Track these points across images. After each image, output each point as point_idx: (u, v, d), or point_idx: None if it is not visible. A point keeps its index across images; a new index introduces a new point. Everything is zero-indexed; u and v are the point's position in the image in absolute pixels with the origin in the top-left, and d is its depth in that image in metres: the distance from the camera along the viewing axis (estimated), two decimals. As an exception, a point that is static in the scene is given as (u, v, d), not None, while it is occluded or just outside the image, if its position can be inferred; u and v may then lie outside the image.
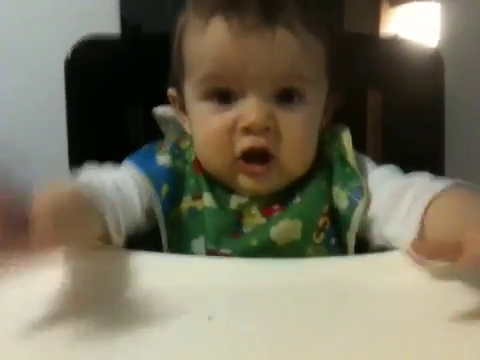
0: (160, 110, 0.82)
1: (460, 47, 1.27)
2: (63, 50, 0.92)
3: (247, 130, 0.67)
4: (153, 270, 0.59)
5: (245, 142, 0.68)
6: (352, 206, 0.71)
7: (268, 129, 0.67)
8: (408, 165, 0.76)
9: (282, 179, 0.71)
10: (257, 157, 0.69)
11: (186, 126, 0.78)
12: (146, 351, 0.48)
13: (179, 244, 0.72)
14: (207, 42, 0.68)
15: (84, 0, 1.21)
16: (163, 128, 0.83)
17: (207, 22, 0.68)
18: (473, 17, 1.42)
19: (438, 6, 1.66)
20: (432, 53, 0.91)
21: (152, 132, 0.95)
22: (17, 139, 1.25)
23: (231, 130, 0.68)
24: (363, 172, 0.74)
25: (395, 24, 1.68)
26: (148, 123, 0.96)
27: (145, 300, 0.54)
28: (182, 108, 0.77)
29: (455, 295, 0.54)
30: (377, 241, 0.71)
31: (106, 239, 0.62)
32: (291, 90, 0.69)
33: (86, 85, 0.94)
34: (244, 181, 0.70)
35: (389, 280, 0.58)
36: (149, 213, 0.72)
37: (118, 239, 0.63)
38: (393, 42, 0.96)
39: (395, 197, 0.68)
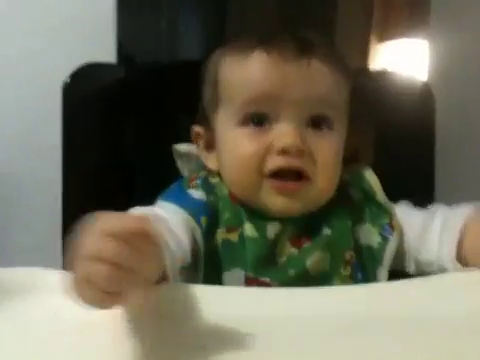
0: (184, 147, 0.85)
1: (448, 81, 1.30)
2: (60, 76, 0.94)
3: (283, 152, 0.70)
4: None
5: (279, 161, 0.71)
6: (384, 242, 0.75)
7: (303, 152, 0.71)
8: (399, 197, 0.80)
9: (313, 201, 0.74)
10: (289, 176, 0.72)
11: (210, 163, 0.80)
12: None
13: (212, 277, 0.72)
14: (249, 70, 0.73)
15: (82, 28, 1.23)
16: (180, 164, 0.85)
17: (248, 55, 0.73)
18: (460, 52, 1.45)
19: (426, 42, 1.70)
20: (422, 87, 0.94)
21: (149, 157, 0.96)
22: (11, 163, 1.26)
23: (266, 151, 0.71)
24: (389, 206, 0.78)
25: (383, 59, 1.72)
26: (144, 149, 0.97)
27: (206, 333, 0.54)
28: (208, 145, 0.80)
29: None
30: (411, 269, 0.76)
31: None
32: (321, 117, 0.73)
33: (83, 110, 0.95)
34: (274, 200, 0.72)
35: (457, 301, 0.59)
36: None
37: (171, 279, 0.61)
38: (383, 76, 0.99)
39: (425, 225, 0.74)
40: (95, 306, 0.45)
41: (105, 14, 1.21)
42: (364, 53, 1.78)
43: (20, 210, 1.32)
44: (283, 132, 0.71)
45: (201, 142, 0.81)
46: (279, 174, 0.71)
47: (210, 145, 0.80)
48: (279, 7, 1.72)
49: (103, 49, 1.18)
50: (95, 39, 1.20)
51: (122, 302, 0.47)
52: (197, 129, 0.81)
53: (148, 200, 0.74)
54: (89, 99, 0.95)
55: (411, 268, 0.76)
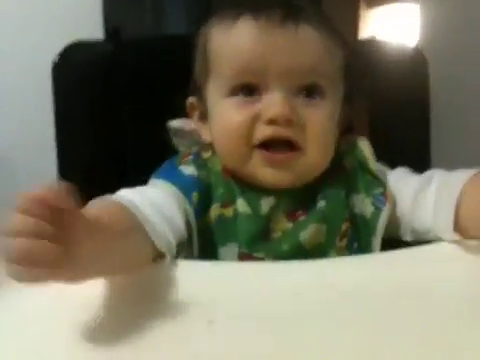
0: (177, 123, 0.84)
1: (440, 45, 1.29)
2: (49, 55, 0.93)
3: (272, 121, 0.69)
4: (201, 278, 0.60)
5: (267, 131, 0.70)
6: (377, 212, 0.74)
7: (292, 121, 0.69)
8: (396, 164, 0.79)
9: (305, 172, 0.73)
10: (280, 147, 0.70)
11: (204, 133, 0.79)
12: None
13: (207, 252, 0.72)
14: (235, 38, 0.72)
15: (68, 6, 1.22)
16: (175, 141, 0.84)
17: (235, 22, 0.72)
18: (451, 16, 1.44)
19: (417, 7, 1.68)
20: (415, 53, 0.93)
21: (139, 134, 0.96)
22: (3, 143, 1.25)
23: (255, 121, 0.70)
24: (383, 177, 0.76)
25: (374, 26, 1.71)
26: (136, 125, 0.97)
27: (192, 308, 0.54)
28: (202, 116, 0.79)
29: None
30: (406, 237, 0.75)
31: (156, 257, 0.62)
32: (312, 86, 0.72)
33: (73, 88, 0.94)
34: (265, 172, 0.71)
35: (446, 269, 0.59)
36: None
37: (168, 256, 0.62)
38: (374, 43, 0.98)
39: (420, 192, 0.72)
40: (20, 280, 0.44)
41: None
42: (354, 20, 1.76)
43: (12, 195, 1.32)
44: (271, 102, 0.70)
45: (195, 113, 0.81)
46: (269, 144, 0.70)
47: (204, 116, 0.79)
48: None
49: (89, 27, 1.17)
50: (81, 17, 1.19)
51: (48, 276, 0.45)
52: (191, 100, 0.81)
53: (142, 178, 0.75)
54: (79, 77, 0.95)
55: (407, 236, 0.75)
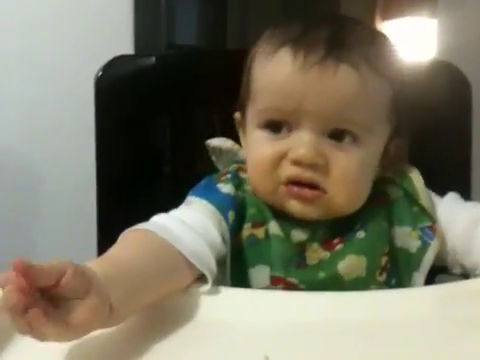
0: (215, 142, 0.83)
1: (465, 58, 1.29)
2: (91, 68, 0.94)
3: (296, 162, 0.68)
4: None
5: (292, 171, 0.69)
6: (424, 246, 0.72)
7: (317, 165, 0.68)
8: (436, 183, 0.77)
9: (333, 211, 0.71)
10: (306, 184, 0.69)
11: (245, 149, 0.79)
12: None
13: (238, 273, 0.72)
14: (271, 73, 0.70)
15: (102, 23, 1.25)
16: (214, 159, 0.84)
17: (275, 52, 0.70)
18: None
19: (434, 21, 1.70)
20: (455, 73, 0.94)
21: (179, 147, 0.97)
22: (45, 154, 1.27)
23: (282, 158, 0.69)
24: (432, 209, 0.74)
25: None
26: (174, 138, 0.98)
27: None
28: (245, 132, 0.78)
29: None
30: (455, 270, 0.74)
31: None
32: (344, 131, 0.69)
33: (115, 101, 0.96)
34: (292, 205, 0.71)
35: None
36: None
37: (210, 278, 0.64)
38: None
39: (472, 227, 0.71)
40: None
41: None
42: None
43: (55, 202, 1.34)
44: (299, 142, 0.68)
45: (240, 129, 0.80)
46: (294, 181, 0.69)
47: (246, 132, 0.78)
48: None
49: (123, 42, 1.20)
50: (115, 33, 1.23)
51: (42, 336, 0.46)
52: (237, 115, 0.80)
53: (179, 191, 0.76)
54: (121, 90, 0.96)
55: (456, 270, 0.73)
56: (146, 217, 0.68)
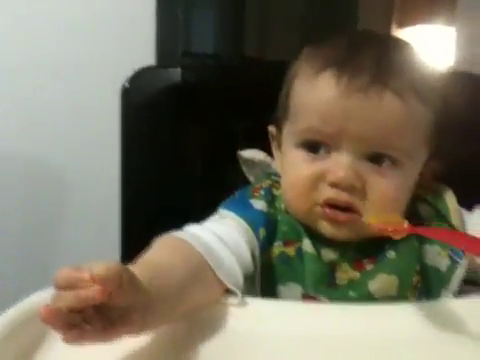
0: (247, 153, 0.83)
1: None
2: (115, 78, 0.95)
3: (334, 185, 0.68)
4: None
5: (329, 193, 0.69)
6: (453, 265, 0.72)
7: (355, 188, 0.68)
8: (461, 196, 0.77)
9: (366, 233, 0.71)
10: (341, 207, 0.69)
11: (278, 163, 0.79)
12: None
13: (267, 290, 0.72)
14: (314, 96, 0.69)
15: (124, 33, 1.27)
16: (245, 170, 0.84)
17: (318, 74, 0.69)
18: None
19: (452, 29, 1.70)
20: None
21: (206, 160, 0.97)
22: (72, 164, 1.29)
23: (319, 180, 0.69)
24: (462, 227, 0.74)
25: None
26: (202, 150, 0.98)
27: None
28: (279, 146, 0.78)
29: None
30: None
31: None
32: (384, 155, 0.69)
33: (142, 113, 0.97)
34: (324, 227, 0.71)
35: None
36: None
37: (237, 291, 0.64)
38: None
39: None
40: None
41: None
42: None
43: (79, 207, 1.37)
44: (337, 165, 0.68)
45: (274, 143, 0.80)
46: (330, 204, 0.69)
47: (281, 146, 0.78)
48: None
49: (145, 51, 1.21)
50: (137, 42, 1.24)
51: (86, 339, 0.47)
52: (272, 129, 0.80)
53: (205, 202, 0.76)
54: (147, 102, 0.96)
55: None
56: (171, 231, 0.68)
